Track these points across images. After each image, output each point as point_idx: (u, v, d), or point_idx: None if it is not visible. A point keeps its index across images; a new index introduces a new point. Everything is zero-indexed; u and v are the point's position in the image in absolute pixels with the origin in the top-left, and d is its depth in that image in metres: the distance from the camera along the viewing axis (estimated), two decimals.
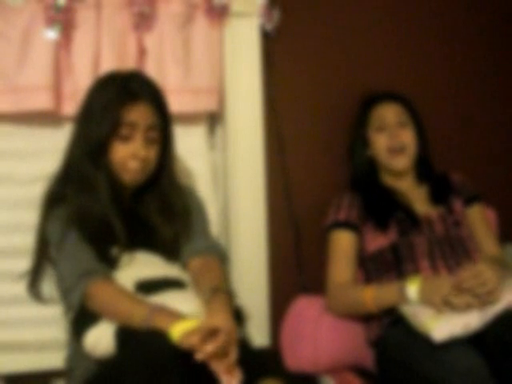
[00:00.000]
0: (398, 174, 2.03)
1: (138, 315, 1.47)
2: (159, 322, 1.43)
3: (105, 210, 1.62)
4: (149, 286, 1.59)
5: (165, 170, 1.73)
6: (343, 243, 1.95)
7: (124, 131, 1.63)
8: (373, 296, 1.82)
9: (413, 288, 1.73)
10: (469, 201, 2.02)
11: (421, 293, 1.71)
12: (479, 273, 1.65)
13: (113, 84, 1.65)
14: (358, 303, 1.85)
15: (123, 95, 1.62)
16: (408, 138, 2.00)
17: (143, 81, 1.70)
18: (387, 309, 1.80)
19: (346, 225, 1.95)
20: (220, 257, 1.76)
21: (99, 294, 1.55)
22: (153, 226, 1.71)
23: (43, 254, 1.69)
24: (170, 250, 1.71)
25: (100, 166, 1.63)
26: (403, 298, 1.74)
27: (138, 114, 1.63)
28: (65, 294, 1.60)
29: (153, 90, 1.69)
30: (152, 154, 1.68)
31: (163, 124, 1.70)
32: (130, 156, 1.65)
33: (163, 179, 1.74)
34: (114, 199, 1.64)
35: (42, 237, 1.69)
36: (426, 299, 1.69)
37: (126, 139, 1.64)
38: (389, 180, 2.05)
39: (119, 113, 1.61)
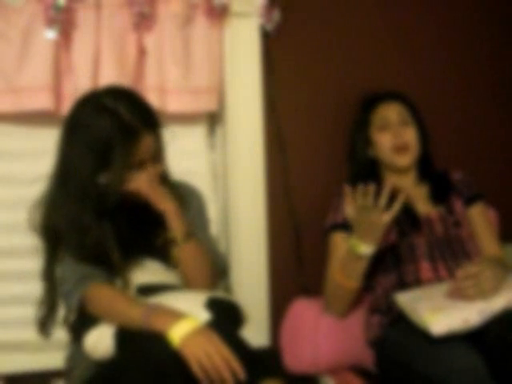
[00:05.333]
0: (401, 172, 2.03)
1: (134, 316, 1.46)
2: (155, 323, 1.43)
3: (102, 238, 1.57)
4: (149, 291, 1.59)
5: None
6: (341, 245, 1.94)
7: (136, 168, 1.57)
8: (342, 274, 1.84)
9: (351, 240, 1.80)
10: (469, 200, 2.02)
11: (357, 234, 1.79)
12: (479, 272, 1.65)
13: (105, 116, 1.52)
14: (340, 287, 1.86)
15: (126, 136, 1.51)
16: (411, 136, 2.01)
17: (129, 105, 1.55)
18: (360, 273, 1.82)
19: (344, 226, 1.95)
20: (219, 270, 1.74)
21: (97, 296, 1.55)
22: (153, 232, 1.69)
23: (54, 298, 1.65)
24: (168, 257, 1.68)
25: (104, 212, 1.57)
26: (354, 252, 1.80)
27: (146, 149, 1.56)
28: (64, 297, 1.60)
29: (145, 113, 1.57)
30: (160, 168, 1.64)
31: (159, 131, 1.62)
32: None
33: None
34: (112, 212, 1.60)
35: (51, 281, 1.64)
36: (364, 237, 1.78)
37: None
38: (391, 179, 2.05)
39: (129, 159, 1.52)
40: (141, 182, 1.58)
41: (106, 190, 1.54)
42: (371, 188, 1.74)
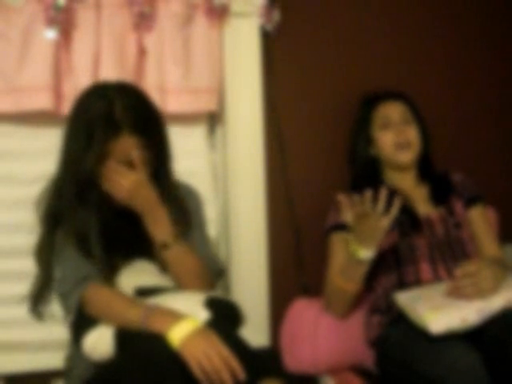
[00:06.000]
0: (402, 170, 2.03)
1: (133, 317, 1.46)
2: (154, 324, 1.43)
3: (83, 228, 1.57)
4: (147, 292, 1.59)
5: (160, 176, 1.66)
6: (341, 245, 1.94)
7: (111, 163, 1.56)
8: (342, 278, 1.84)
9: (351, 246, 1.78)
10: (469, 202, 2.02)
11: (356, 239, 1.77)
12: (477, 271, 1.66)
13: (100, 102, 1.54)
14: (340, 291, 1.86)
15: (107, 128, 1.52)
16: (413, 135, 2.01)
17: (127, 104, 1.55)
18: (360, 276, 1.82)
19: (344, 227, 1.94)
20: (214, 272, 1.73)
21: (95, 297, 1.54)
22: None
23: (47, 276, 1.63)
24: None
25: (90, 192, 1.57)
26: (354, 257, 1.79)
27: (124, 150, 1.55)
28: (63, 298, 1.60)
29: (139, 117, 1.56)
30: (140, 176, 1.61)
31: (151, 141, 1.60)
32: None
33: (159, 186, 1.65)
34: (110, 214, 1.60)
35: (46, 261, 1.63)
36: (364, 242, 1.77)
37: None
38: (391, 178, 2.05)
39: (103, 147, 1.52)
40: (120, 190, 1.56)
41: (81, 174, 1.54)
42: (368, 195, 1.73)
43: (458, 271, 1.68)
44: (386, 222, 1.75)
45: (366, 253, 1.77)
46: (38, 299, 1.65)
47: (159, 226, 1.60)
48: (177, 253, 1.62)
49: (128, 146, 1.54)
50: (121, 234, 1.63)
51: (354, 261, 1.80)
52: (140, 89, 1.66)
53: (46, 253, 1.63)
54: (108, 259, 1.59)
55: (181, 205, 1.70)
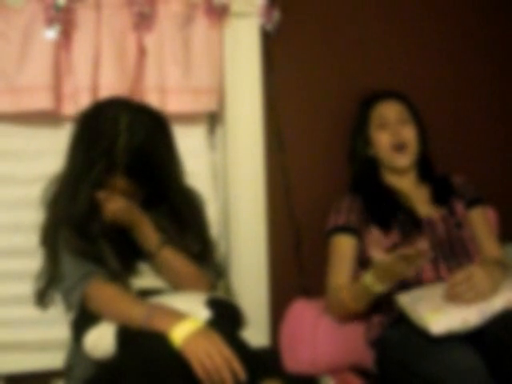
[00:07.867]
0: (400, 172, 2.03)
1: (136, 315, 1.47)
2: (157, 323, 1.43)
3: (98, 253, 1.60)
4: (149, 293, 1.60)
5: (166, 189, 1.68)
6: (342, 247, 1.94)
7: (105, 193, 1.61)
8: (349, 296, 1.83)
9: (368, 277, 1.75)
10: (470, 203, 2.02)
11: (375, 275, 1.73)
12: (470, 276, 1.66)
13: (108, 130, 1.57)
14: (344, 305, 1.86)
15: (105, 165, 1.56)
16: (410, 135, 2.01)
17: (131, 145, 1.57)
18: (368, 302, 1.80)
19: (345, 229, 1.94)
20: (215, 273, 1.75)
21: (98, 294, 1.55)
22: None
23: (54, 267, 1.64)
24: None
25: (93, 220, 1.60)
26: (367, 289, 1.76)
27: (116, 184, 1.60)
28: (65, 293, 1.60)
29: (136, 161, 1.58)
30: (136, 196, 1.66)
31: (147, 182, 1.63)
32: None
33: (167, 196, 1.69)
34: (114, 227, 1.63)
35: (51, 247, 1.64)
36: (381, 280, 1.72)
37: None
38: (390, 179, 2.05)
39: (98, 179, 1.57)
40: (106, 212, 1.60)
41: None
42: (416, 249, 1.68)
43: (450, 280, 1.68)
44: (411, 273, 1.73)
45: (381, 288, 1.75)
46: (44, 293, 1.66)
47: (144, 238, 1.65)
48: (163, 259, 1.65)
49: (120, 184, 1.59)
50: (127, 241, 1.65)
51: (366, 291, 1.77)
52: (154, 118, 1.64)
53: (51, 238, 1.64)
54: (123, 269, 1.62)
55: (190, 218, 1.72)
